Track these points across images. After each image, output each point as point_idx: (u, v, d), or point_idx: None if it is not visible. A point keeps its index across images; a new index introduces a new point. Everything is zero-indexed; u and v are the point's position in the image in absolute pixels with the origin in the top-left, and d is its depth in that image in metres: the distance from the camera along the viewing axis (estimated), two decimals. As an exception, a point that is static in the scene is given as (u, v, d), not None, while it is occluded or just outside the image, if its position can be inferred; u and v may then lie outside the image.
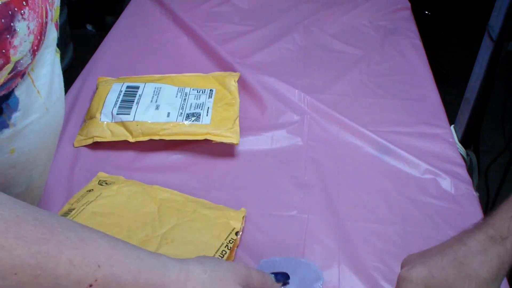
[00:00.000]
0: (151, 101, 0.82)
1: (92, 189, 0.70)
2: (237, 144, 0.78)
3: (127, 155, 0.79)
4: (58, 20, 0.55)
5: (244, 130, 0.85)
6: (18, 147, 0.50)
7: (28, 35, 0.43)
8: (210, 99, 0.83)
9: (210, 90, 0.86)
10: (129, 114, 0.80)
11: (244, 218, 0.67)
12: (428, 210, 0.72)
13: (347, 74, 1.00)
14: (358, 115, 0.87)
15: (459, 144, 0.87)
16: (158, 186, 0.71)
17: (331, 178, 0.77)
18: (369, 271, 0.63)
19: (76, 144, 0.80)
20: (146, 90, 0.84)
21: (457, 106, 1.06)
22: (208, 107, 0.82)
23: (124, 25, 1.16)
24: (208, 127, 0.78)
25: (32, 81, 0.50)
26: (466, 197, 0.74)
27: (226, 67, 0.99)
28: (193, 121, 0.79)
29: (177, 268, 0.46)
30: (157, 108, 0.81)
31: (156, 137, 0.78)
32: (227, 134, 0.78)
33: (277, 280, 0.56)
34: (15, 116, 0.48)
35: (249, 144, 0.82)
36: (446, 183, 0.76)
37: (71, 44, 1.96)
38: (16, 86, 0.47)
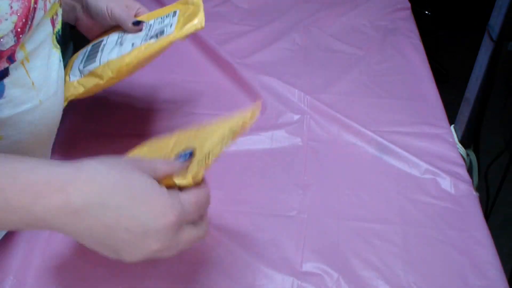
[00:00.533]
0: (116, 44, 0.78)
1: None
2: (202, 28, 0.71)
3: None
4: (55, 17, 0.55)
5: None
6: (7, 135, 0.51)
7: (11, 15, 0.43)
8: (174, 18, 0.78)
9: (174, 12, 0.80)
10: (94, 61, 0.76)
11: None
12: (428, 210, 0.72)
13: (347, 74, 1.00)
14: (358, 115, 0.87)
15: (459, 144, 0.87)
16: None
17: (331, 178, 0.77)
18: (368, 271, 0.63)
19: None
20: (110, 39, 0.80)
21: (457, 106, 1.06)
22: (172, 23, 0.76)
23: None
24: (172, 34, 0.73)
25: (27, 71, 0.50)
26: (466, 197, 0.74)
27: (226, 67, 0.99)
28: (157, 37, 0.74)
29: (67, 164, 0.42)
30: (121, 45, 0.77)
31: (124, 67, 0.73)
32: (191, 24, 0.72)
33: (183, 159, 0.52)
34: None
35: (248, 144, 0.82)
36: (446, 183, 0.76)
37: (71, 44, 1.97)
38: (8, 75, 0.47)
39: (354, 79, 0.99)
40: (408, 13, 1.22)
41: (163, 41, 0.73)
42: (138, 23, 0.78)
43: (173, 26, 0.75)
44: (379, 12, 1.21)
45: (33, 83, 0.52)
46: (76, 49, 0.86)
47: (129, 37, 0.78)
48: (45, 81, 0.54)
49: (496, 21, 0.91)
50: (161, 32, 0.75)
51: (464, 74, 1.21)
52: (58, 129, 0.81)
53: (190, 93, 0.95)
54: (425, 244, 0.67)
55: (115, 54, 0.75)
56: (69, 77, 0.78)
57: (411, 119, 0.89)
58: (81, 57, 0.80)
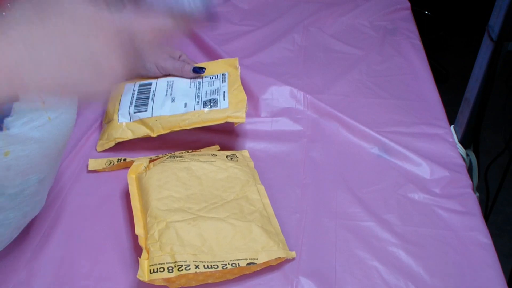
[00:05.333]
0: (166, 94, 0.82)
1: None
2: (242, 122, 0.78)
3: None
4: None
5: (243, 130, 0.85)
6: (14, 151, 0.52)
7: None
8: (224, 83, 0.83)
9: (223, 74, 0.85)
10: (146, 110, 0.80)
11: None
12: (427, 210, 0.72)
13: (347, 74, 1.00)
14: (358, 115, 0.87)
15: (459, 144, 0.87)
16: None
17: (330, 178, 0.77)
18: (366, 271, 0.63)
19: (99, 149, 0.80)
20: (159, 85, 0.84)
21: (457, 106, 1.06)
22: (224, 91, 0.81)
23: (124, 25, 1.16)
24: (227, 111, 0.78)
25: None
26: (466, 197, 0.74)
27: (226, 67, 0.99)
28: (211, 107, 0.79)
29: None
30: (173, 100, 0.81)
31: (177, 129, 0.78)
32: (239, 114, 0.78)
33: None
34: (7, 120, 0.50)
35: (247, 143, 0.82)
36: (445, 183, 0.76)
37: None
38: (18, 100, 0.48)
39: (354, 79, 0.99)
40: (408, 13, 1.22)
41: (217, 116, 0.78)
42: (198, 70, 0.85)
43: (226, 99, 0.80)
44: (379, 12, 1.21)
45: (43, 103, 0.52)
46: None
47: (179, 91, 0.83)
48: (55, 100, 0.54)
49: (496, 21, 0.91)
50: (215, 102, 0.79)
51: (464, 74, 1.21)
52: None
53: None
54: (423, 244, 0.67)
55: (168, 111, 0.80)
56: (118, 117, 0.81)
57: (411, 119, 0.89)
58: (129, 97, 0.83)
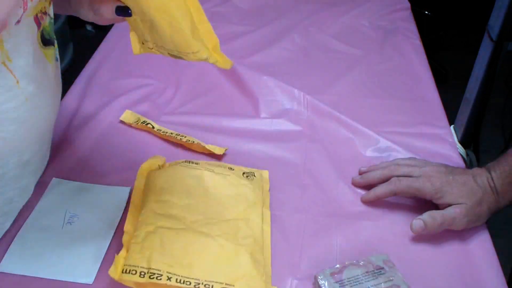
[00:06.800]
0: None
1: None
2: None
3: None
4: (40, 15, 0.55)
5: (243, 131, 0.85)
6: None
7: None
8: None
9: None
10: None
11: None
12: (427, 210, 0.72)
13: (347, 74, 1.00)
14: (358, 115, 0.87)
15: (459, 144, 0.87)
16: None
17: (331, 178, 0.77)
18: (369, 271, 0.63)
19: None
20: None
21: (457, 106, 1.06)
22: None
23: (124, 25, 1.16)
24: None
25: (10, 71, 0.51)
26: (466, 197, 0.74)
27: (226, 67, 0.99)
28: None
29: None
30: None
31: None
32: None
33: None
34: None
35: (247, 143, 0.82)
36: (446, 183, 0.76)
37: (70, 44, 1.95)
38: None
39: (354, 79, 0.99)
40: (408, 13, 1.23)
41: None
42: (122, 10, 0.64)
43: None
44: (379, 12, 1.21)
45: (17, 82, 0.52)
46: (76, 50, 0.86)
47: None
48: (31, 80, 0.54)
49: (496, 21, 0.92)
50: None
51: (464, 74, 1.22)
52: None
53: (190, 93, 0.95)
54: (423, 244, 0.67)
55: None
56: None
57: (411, 120, 0.89)
58: None
